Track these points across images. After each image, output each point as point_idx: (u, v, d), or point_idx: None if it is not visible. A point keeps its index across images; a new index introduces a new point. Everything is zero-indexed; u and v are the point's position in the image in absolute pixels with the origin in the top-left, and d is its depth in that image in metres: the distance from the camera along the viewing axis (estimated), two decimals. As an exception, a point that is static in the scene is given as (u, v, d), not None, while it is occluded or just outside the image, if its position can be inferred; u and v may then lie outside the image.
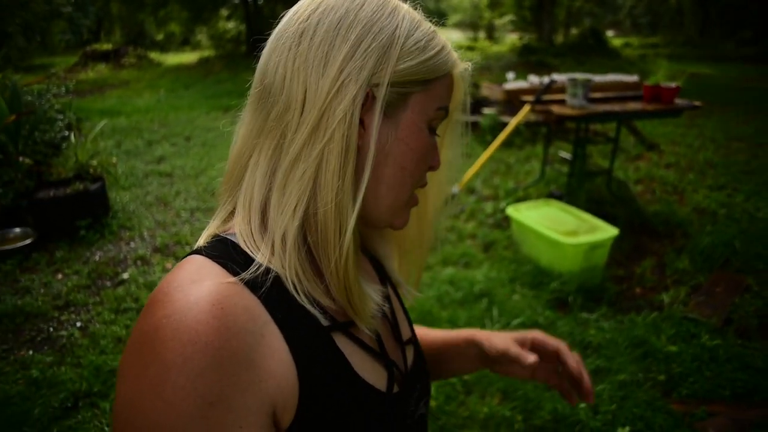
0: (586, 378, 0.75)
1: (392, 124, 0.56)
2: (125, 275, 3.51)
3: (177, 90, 12.14)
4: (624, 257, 3.65)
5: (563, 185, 4.47)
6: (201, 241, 0.57)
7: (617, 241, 3.42)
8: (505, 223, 4.16)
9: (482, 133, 6.51)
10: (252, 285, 0.51)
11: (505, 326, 2.84)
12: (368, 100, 0.54)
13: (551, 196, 4.21)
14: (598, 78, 6.26)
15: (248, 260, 0.53)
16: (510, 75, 6.87)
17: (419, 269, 0.79)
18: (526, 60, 15.31)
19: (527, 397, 2.34)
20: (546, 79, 5.48)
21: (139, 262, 3.72)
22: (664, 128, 7.24)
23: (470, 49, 18.76)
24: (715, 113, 8.25)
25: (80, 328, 2.94)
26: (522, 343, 0.79)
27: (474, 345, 0.82)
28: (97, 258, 3.76)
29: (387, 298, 0.68)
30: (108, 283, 3.44)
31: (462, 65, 0.62)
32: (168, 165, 6.03)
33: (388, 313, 0.69)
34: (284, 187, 0.54)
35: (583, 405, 2.27)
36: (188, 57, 19.39)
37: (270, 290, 0.51)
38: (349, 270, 0.55)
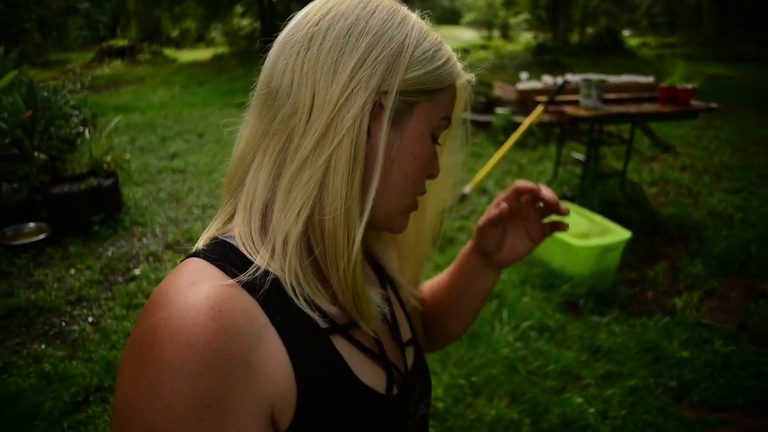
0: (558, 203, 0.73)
1: (398, 132, 0.57)
2: (137, 271, 3.54)
3: (191, 87, 12.21)
4: (637, 260, 3.61)
5: (576, 187, 4.43)
6: (200, 244, 0.57)
7: (630, 244, 3.38)
8: (516, 224, 4.12)
9: (495, 133, 6.48)
10: (250, 287, 0.51)
11: (515, 328, 2.82)
12: (376, 108, 0.54)
13: (563, 197, 4.17)
14: (612, 79, 6.20)
15: (246, 263, 0.53)
16: (523, 75, 6.82)
17: (418, 272, 0.79)
18: (541, 59, 15.18)
19: (535, 401, 2.33)
20: (560, 80, 5.44)
21: (150, 258, 3.75)
22: (679, 130, 7.14)
23: (484, 48, 18.67)
24: (732, 115, 8.13)
25: (92, 323, 2.97)
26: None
27: (474, 250, 0.81)
28: (109, 253, 3.80)
29: (387, 300, 0.68)
30: (120, 279, 3.48)
31: (465, 76, 0.63)
32: (181, 161, 6.07)
33: (387, 314, 0.69)
34: (289, 191, 0.54)
35: (592, 410, 2.25)
36: (202, 54, 19.49)
37: (268, 293, 0.52)
38: (357, 275, 0.56)
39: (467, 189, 4.48)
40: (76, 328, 2.91)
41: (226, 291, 0.49)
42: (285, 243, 0.54)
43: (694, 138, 6.89)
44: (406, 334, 0.73)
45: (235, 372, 0.46)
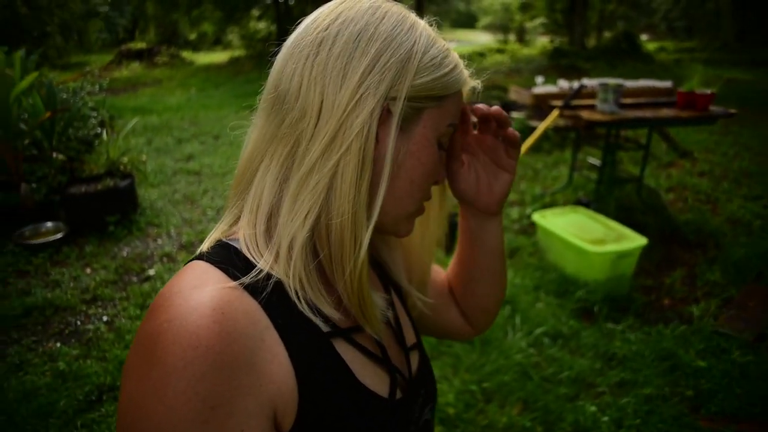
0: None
1: (405, 138, 0.57)
2: (151, 272, 3.58)
3: (207, 89, 12.33)
4: (653, 267, 3.56)
5: (591, 192, 4.38)
6: (204, 246, 0.58)
7: (646, 251, 3.33)
8: (530, 229, 4.10)
9: (510, 137, 6.43)
10: (252, 290, 0.51)
11: (528, 334, 2.80)
12: (384, 113, 0.54)
13: (579, 203, 4.14)
14: (629, 83, 6.14)
15: (250, 266, 0.53)
16: (539, 79, 6.80)
17: (424, 275, 0.79)
18: (557, 63, 15.09)
19: (548, 408, 2.30)
20: (576, 84, 5.40)
21: (165, 259, 3.78)
22: (698, 135, 7.05)
23: (500, 51, 18.59)
24: (752, 120, 8.00)
25: (106, 323, 3.00)
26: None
27: (464, 213, 0.78)
28: (124, 254, 3.84)
29: (390, 304, 0.68)
30: (134, 279, 3.51)
31: (472, 83, 0.63)
32: (196, 163, 6.12)
33: (391, 319, 0.69)
34: (297, 195, 0.54)
35: (606, 418, 2.22)
36: (219, 56, 19.68)
37: (270, 296, 0.52)
38: (363, 279, 0.56)
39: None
40: (90, 327, 2.94)
41: (229, 293, 0.49)
42: (291, 246, 0.54)
43: (713, 143, 6.79)
44: (410, 338, 0.73)
45: (237, 374, 0.46)
